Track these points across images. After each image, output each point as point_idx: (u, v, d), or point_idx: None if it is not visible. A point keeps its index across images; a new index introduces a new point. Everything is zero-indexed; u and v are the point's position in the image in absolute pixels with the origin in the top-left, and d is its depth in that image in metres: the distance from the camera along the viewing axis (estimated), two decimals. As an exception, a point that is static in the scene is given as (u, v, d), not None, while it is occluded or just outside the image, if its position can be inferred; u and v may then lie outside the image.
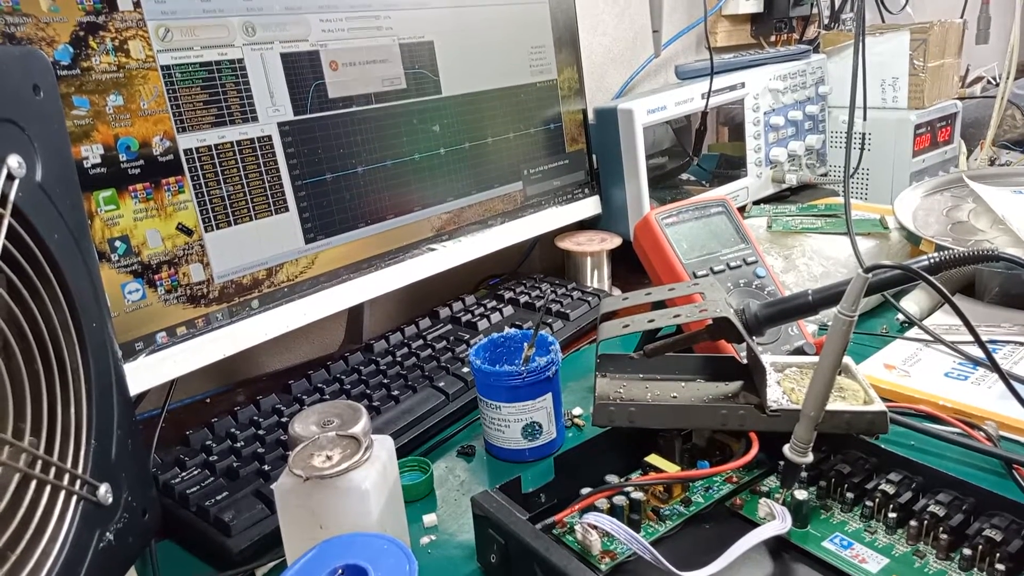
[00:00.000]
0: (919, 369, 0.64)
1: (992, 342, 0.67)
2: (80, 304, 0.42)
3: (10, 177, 0.38)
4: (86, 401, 0.42)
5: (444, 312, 0.80)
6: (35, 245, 0.39)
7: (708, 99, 0.93)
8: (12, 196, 0.38)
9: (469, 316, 0.78)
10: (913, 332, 0.71)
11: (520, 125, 0.85)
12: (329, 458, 0.42)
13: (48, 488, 0.38)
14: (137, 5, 0.54)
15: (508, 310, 0.80)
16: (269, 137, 0.62)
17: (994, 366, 0.50)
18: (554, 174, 0.89)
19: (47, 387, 0.40)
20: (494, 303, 0.81)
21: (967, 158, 1.19)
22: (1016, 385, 0.53)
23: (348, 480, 0.41)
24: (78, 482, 0.40)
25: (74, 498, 0.40)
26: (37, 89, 0.40)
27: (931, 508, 0.44)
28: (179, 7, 0.56)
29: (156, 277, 0.55)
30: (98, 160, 0.52)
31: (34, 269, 0.39)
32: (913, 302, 0.74)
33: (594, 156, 0.94)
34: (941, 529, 0.44)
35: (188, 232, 0.57)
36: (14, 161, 0.38)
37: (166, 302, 0.56)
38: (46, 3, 0.50)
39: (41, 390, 0.39)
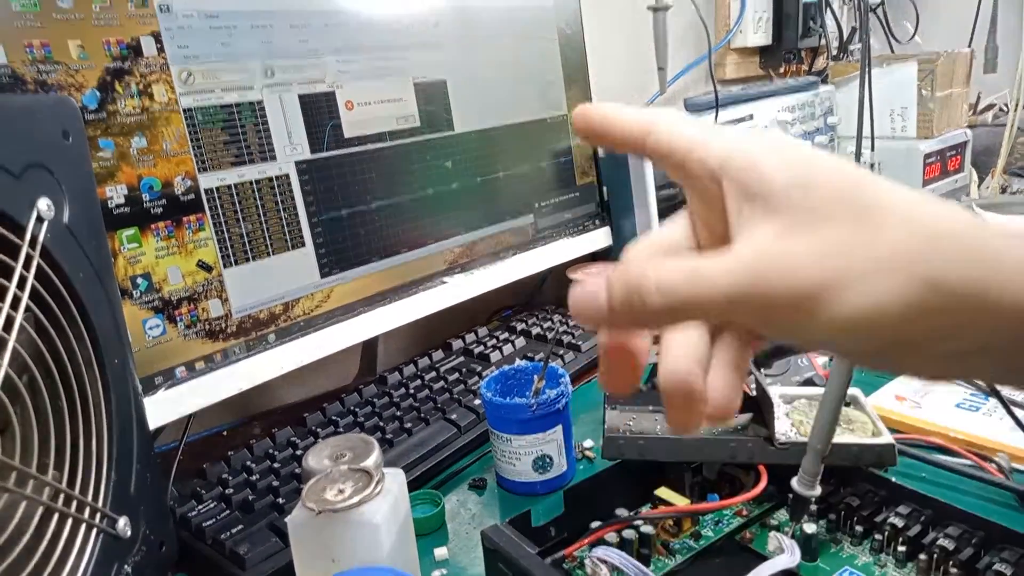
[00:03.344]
0: (930, 400, 0.64)
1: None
2: (103, 341, 0.44)
3: (39, 219, 0.40)
4: (107, 436, 0.43)
5: (457, 344, 0.81)
6: (61, 284, 0.41)
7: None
8: (41, 237, 0.39)
9: (482, 348, 0.79)
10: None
11: (531, 159, 0.86)
12: (341, 491, 0.42)
13: (70, 521, 0.40)
14: (161, 50, 0.56)
15: (520, 342, 0.81)
16: (287, 176, 0.63)
17: (995, 393, 0.50)
18: (565, 207, 0.91)
19: (70, 422, 0.41)
20: (506, 335, 0.82)
21: (979, 186, 1.19)
22: (1020, 413, 0.53)
23: (360, 513, 0.42)
24: (98, 515, 0.41)
25: (94, 531, 0.41)
26: (67, 135, 0.42)
27: (941, 542, 0.44)
28: (201, 51, 0.58)
29: (176, 313, 0.57)
30: (122, 200, 0.54)
31: (60, 308, 0.41)
32: (924, 332, 0.74)
33: (604, 188, 0.96)
34: (951, 563, 0.44)
35: (208, 269, 0.59)
36: (43, 204, 0.40)
37: (185, 337, 0.57)
38: (76, 51, 0.52)
39: (64, 425, 0.41)
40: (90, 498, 0.41)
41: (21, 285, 0.38)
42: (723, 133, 0.26)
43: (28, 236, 0.38)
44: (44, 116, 0.42)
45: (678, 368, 0.26)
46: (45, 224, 0.40)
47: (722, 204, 0.26)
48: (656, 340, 0.61)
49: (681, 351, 0.26)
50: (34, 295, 0.39)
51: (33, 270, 0.39)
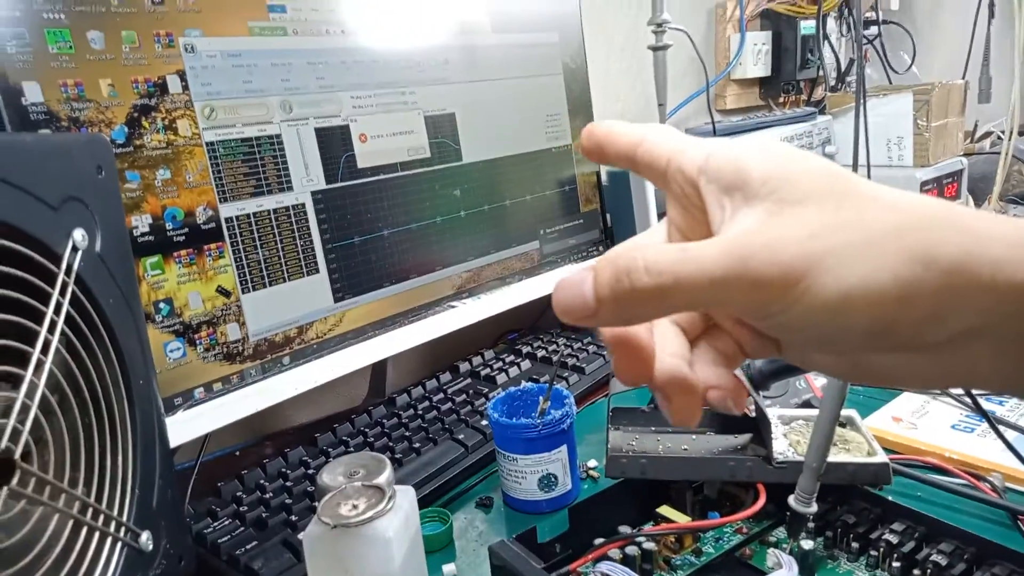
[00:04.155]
0: (926, 421, 0.65)
1: (1000, 394, 0.68)
2: (129, 363, 0.46)
3: (74, 249, 0.42)
4: (131, 453, 0.45)
5: (464, 367, 0.83)
6: (93, 309, 0.43)
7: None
8: (76, 266, 0.42)
9: (488, 370, 0.81)
10: (922, 385, 0.72)
11: (536, 188, 0.89)
12: (355, 507, 0.44)
13: (96, 534, 0.42)
14: (185, 87, 0.59)
15: (526, 364, 0.83)
16: (303, 205, 0.66)
17: (979, 410, 0.52)
18: (569, 233, 0.93)
19: (98, 439, 0.43)
20: (512, 358, 0.84)
21: (976, 212, 1.22)
22: (1009, 435, 0.54)
23: (372, 528, 0.44)
24: (123, 529, 0.43)
25: (119, 544, 0.43)
26: (100, 169, 0.45)
27: (934, 558, 0.46)
28: (223, 88, 0.61)
29: (196, 336, 0.59)
30: (147, 229, 0.57)
31: (91, 331, 0.43)
32: (921, 356, 0.76)
33: (608, 215, 0.98)
34: (944, 578, 0.45)
35: (227, 294, 0.61)
36: (78, 234, 0.42)
37: (204, 360, 0.60)
38: (106, 89, 0.55)
39: (93, 442, 0.43)
40: (115, 512, 0.43)
41: (57, 310, 0.40)
42: (704, 141, 0.27)
43: (64, 264, 0.41)
44: (80, 152, 0.44)
45: (666, 364, 0.27)
46: (79, 253, 0.42)
47: (702, 210, 0.26)
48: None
49: (666, 353, 0.27)
50: (67, 319, 0.41)
51: (68, 296, 0.41)
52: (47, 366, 0.39)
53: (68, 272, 0.41)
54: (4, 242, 0.37)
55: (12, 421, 0.36)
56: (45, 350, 0.39)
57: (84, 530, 0.41)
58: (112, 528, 0.43)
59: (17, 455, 0.36)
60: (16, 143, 0.42)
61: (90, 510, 0.41)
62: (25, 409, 0.37)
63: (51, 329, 0.39)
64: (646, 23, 0.98)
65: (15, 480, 0.36)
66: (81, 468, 0.42)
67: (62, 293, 0.41)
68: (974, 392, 0.58)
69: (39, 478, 0.38)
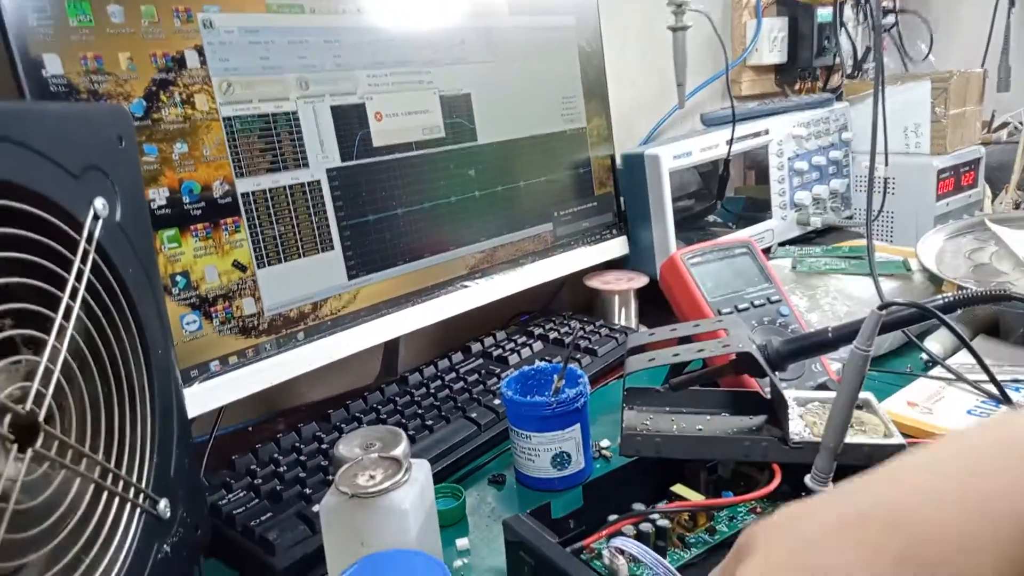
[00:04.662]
0: (942, 407, 0.65)
1: (1016, 381, 0.68)
2: (148, 332, 0.46)
3: (95, 217, 0.42)
4: (150, 421, 0.46)
5: (476, 347, 0.83)
6: (113, 277, 0.44)
7: (730, 148, 0.96)
8: (97, 234, 0.42)
9: (500, 351, 0.81)
10: (937, 371, 0.72)
11: (551, 170, 0.89)
12: (372, 477, 0.44)
13: (116, 500, 0.42)
14: (203, 63, 0.59)
15: (538, 346, 0.83)
16: (318, 182, 0.66)
17: (1005, 400, 0.51)
18: (583, 216, 0.93)
19: (117, 406, 0.44)
20: (524, 339, 0.84)
21: (992, 201, 1.21)
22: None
23: (389, 499, 0.44)
24: (142, 496, 0.44)
25: (138, 511, 0.43)
26: (120, 139, 0.45)
27: (950, 538, 0.46)
28: (241, 64, 0.61)
29: (212, 310, 0.59)
30: (164, 202, 0.57)
31: (111, 299, 0.44)
32: (937, 342, 0.75)
33: (622, 199, 0.98)
34: (960, 559, 0.45)
35: (242, 268, 0.61)
36: (99, 203, 0.43)
37: (220, 333, 0.60)
38: (125, 62, 0.55)
39: (112, 409, 0.43)
40: (135, 479, 0.43)
41: (78, 277, 0.40)
42: None
43: (85, 232, 0.41)
44: (101, 122, 0.45)
45: None
46: (100, 222, 0.43)
47: None
48: (676, 342, 0.62)
49: None
50: (88, 287, 0.41)
51: (89, 264, 0.41)
52: (69, 332, 0.39)
53: (89, 240, 0.41)
54: (29, 208, 0.38)
55: (36, 384, 0.36)
56: (67, 316, 0.39)
57: (104, 495, 0.41)
58: (131, 494, 0.43)
59: (41, 417, 0.36)
60: (39, 111, 0.42)
61: (110, 475, 0.42)
62: (48, 374, 0.37)
63: (72, 296, 0.40)
64: (664, 4, 0.97)
65: (39, 442, 0.36)
66: (101, 434, 0.42)
67: (83, 261, 0.41)
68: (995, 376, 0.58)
69: (61, 441, 0.38)
